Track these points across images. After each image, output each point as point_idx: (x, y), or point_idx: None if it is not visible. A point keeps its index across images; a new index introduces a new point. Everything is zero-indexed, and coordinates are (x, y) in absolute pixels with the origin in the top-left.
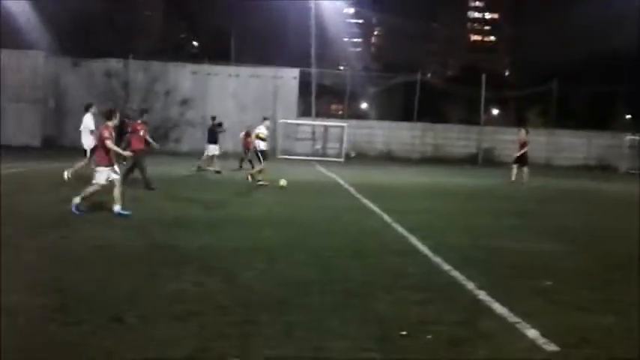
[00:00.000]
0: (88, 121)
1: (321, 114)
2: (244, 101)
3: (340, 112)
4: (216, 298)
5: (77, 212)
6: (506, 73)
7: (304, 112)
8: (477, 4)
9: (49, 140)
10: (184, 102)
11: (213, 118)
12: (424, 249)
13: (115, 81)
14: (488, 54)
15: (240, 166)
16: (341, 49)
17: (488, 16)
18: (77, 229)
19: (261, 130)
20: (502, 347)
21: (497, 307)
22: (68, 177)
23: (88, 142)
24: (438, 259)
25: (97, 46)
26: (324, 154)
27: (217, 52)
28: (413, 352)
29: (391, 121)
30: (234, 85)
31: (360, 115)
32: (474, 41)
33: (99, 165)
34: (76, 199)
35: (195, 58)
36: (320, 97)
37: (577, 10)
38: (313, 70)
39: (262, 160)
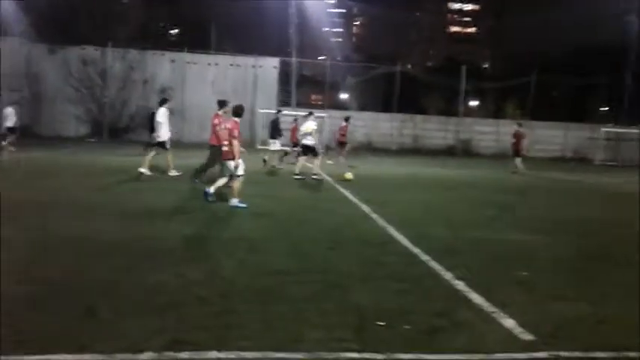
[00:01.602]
0: (162, 115)
1: (301, 104)
2: (223, 90)
3: (320, 103)
4: (196, 289)
5: (242, 206)
6: (486, 65)
7: (284, 101)
8: None
9: (24, 129)
10: (163, 90)
11: (278, 111)
12: (403, 239)
13: (91, 69)
14: (468, 45)
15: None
16: (321, 39)
17: (468, 7)
18: (56, 220)
19: (311, 125)
20: (479, 337)
21: (475, 297)
22: (145, 172)
23: (162, 134)
24: (416, 250)
25: (74, 33)
26: None
27: (197, 41)
28: (390, 343)
29: (371, 111)
30: (213, 73)
31: (341, 106)
32: (455, 32)
33: (228, 158)
34: (234, 200)
35: (175, 46)
36: (300, 86)
37: (556, 4)
38: (293, 60)
39: (314, 154)
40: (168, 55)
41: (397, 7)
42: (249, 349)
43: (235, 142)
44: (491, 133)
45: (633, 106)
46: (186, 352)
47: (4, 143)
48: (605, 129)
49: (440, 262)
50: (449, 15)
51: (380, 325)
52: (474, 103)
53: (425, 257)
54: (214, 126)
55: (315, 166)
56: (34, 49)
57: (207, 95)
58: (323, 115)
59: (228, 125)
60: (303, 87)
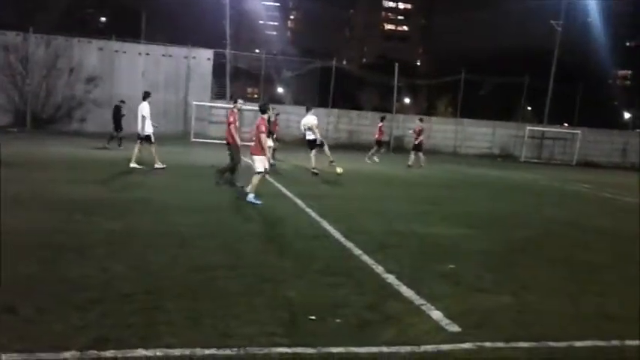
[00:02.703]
0: (145, 109)
1: (235, 97)
2: (155, 81)
3: (255, 96)
4: (122, 285)
5: (257, 202)
6: (418, 63)
7: (218, 94)
8: None
9: None
10: (90, 80)
11: (308, 109)
12: (336, 234)
13: (13, 56)
14: (401, 43)
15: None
16: (257, 31)
17: (401, 5)
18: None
19: (311, 119)
20: (408, 329)
21: (405, 290)
22: (135, 165)
23: (148, 128)
24: (349, 244)
25: None
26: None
27: (126, 30)
28: (321, 336)
29: (304, 106)
30: (144, 63)
31: (276, 100)
32: (389, 30)
33: (255, 154)
34: (250, 196)
35: (103, 34)
36: (235, 79)
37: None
38: (228, 52)
39: (320, 147)
40: (96, 42)
41: (332, 3)
42: (177, 346)
43: (263, 137)
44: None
45: (556, 106)
46: (111, 351)
47: None
48: (530, 127)
49: (371, 256)
50: (383, 13)
51: (311, 319)
52: (407, 100)
53: (357, 251)
54: (230, 123)
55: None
56: None
57: (137, 86)
58: (257, 108)
59: (257, 122)
60: (238, 80)
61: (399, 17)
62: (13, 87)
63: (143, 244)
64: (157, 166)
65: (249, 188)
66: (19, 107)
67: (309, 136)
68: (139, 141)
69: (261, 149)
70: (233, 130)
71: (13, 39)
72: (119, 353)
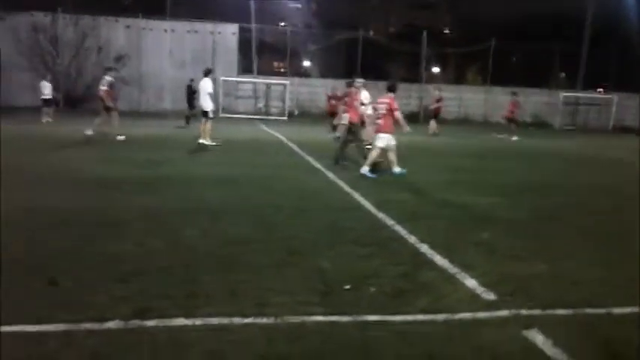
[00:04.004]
0: (208, 85)
1: (262, 71)
2: (182, 58)
3: (283, 70)
4: (158, 259)
5: (372, 176)
6: (447, 31)
7: (245, 69)
8: None
9: None
10: (118, 58)
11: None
12: (368, 205)
13: (42, 36)
14: (429, 11)
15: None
16: (282, 4)
17: None
18: (8, 190)
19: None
20: (442, 297)
21: (438, 260)
22: (205, 142)
23: (207, 104)
24: (381, 215)
25: None
26: (266, 113)
27: (152, 6)
28: (355, 305)
29: (334, 78)
30: (170, 40)
31: (303, 73)
32: None
33: (382, 131)
34: (365, 169)
35: (129, 12)
36: (261, 54)
37: None
38: (253, 26)
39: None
40: (123, 21)
41: None
42: (215, 315)
43: (397, 114)
44: (454, 99)
45: (589, 72)
46: (153, 320)
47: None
48: (564, 94)
49: (404, 226)
50: None
51: (346, 288)
52: (435, 69)
53: (390, 222)
54: (353, 102)
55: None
56: None
57: (164, 63)
58: (285, 82)
59: (386, 100)
60: (264, 54)
61: None
62: (44, 67)
63: (176, 218)
64: (203, 141)
65: (367, 162)
66: (53, 87)
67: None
68: (204, 116)
69: (391, 128)
70: (359, 109)
71: (42, 19)
72: (161, 322)
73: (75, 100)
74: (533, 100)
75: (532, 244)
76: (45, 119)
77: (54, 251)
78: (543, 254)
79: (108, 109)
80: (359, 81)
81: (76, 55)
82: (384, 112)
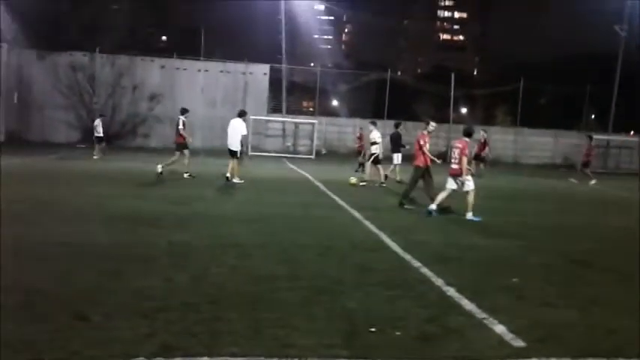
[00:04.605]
0: (242, 127)
1: (291, 111)
2: (214, 97)
3: (311, 109)
4: (185, 295)
5: (435, 214)
6: (475, 72)
7: (275, 108)
8: (447, 3)
9: (12, 135)
10: (152, 97)
11: (397, 125)
12: (394, 246)
13: (80, 75)
14: (457, 53)
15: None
16: (312, 45)
17: (457, 15)
18: (38, 224)
19: (374, 135)
20: (470, 343)
21: (466, 304)
22: (234, 180)
23: (238, 144)
24: (408, 256)
25: (62, 39)
26: (294, 151)
27: (186, 47)
28: (381, 349)
29: (362, 118)
30: (203, 80)
31: (331, 113)
32: (444, 40)
33: (454, 175)
34: (432, 206)
35: (164, 52)
36: (291, 93)
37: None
38: (284, 67)
39: (375, 164)
40: (158, 61)
41: (386, 15)
42: (240, 354)
43: (465, 160)
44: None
45: (620, 114)
46: (178, 359)
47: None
48: (595, 136)
49: (431, 269)
50: (437, 22)
51: (371, 331)
52: (463, 109)
53: (416, 263)
54: (421, 147)
55: (368, 173)
56: (24, 55)
57: (197, 101)
58: (313, 121)
59: (459, 145)
60: (293, 94)
61: (455, 26)
62: (81, 105)
63: (203, 255)
64: (232, 179)
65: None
66: (87, 124)
67: (374, 150)
68: (235, 159)
69: (461, 171)
70: (427, 153)
71: (81, 59)
72: None
73: (110, 137)
74: (563, 142)
75: (563, 289)
76: (97, 155)
77: (83, 285)
78: (575, 300)
79: (183, 148)
80: (432, 125)
81: (112, 94)
82: (457, 156)
